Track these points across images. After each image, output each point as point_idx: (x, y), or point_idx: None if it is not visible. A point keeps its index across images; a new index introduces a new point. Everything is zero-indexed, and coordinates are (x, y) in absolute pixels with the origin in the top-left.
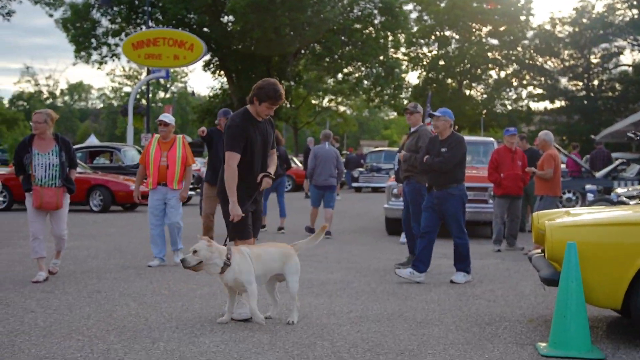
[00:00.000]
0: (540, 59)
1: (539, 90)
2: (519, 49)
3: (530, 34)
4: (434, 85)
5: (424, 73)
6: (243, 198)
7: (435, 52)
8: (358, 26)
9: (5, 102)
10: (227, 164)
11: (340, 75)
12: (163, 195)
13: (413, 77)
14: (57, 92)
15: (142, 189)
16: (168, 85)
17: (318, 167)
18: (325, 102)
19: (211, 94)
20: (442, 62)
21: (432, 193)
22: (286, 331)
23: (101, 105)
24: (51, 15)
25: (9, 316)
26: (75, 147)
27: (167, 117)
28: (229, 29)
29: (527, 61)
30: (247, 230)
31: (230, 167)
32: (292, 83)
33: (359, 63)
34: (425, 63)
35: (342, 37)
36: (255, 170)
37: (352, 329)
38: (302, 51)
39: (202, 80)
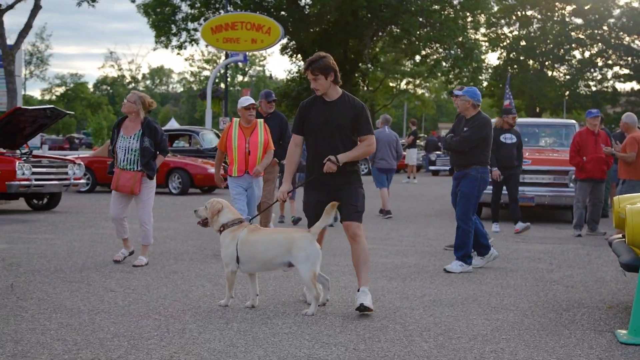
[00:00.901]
0: (628, 38)
1: (626, 71)
2: (605, 27)
3: (616, 12)
4: (515, 66)
5: (505, 54)
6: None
7: (516, 32)
8: (436, 7)
9: (90, 86)
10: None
11: (418, 58)
12: (248, 183)
13: (493, 58)
14: (139, 77)
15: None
16: (246, 69)
17: (379, 151)
18: (402, 85)
19: (289, 78)
20: (523, 43)
21: (454, 174)
22: (358, 314)
23: (181, 89)
24: (133, 1)
25: (90, 295)
26: None
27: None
28: (306, 12)
29: (612, 40)
30: (308, 218)
31: (288, 148)
32: (370, 66)
33: (437, 45)
34: (506, 43)
35: (420, 19)
36: (317, 152)
37: (424, 313)
38: (380, 33)
39: (280, 64)
